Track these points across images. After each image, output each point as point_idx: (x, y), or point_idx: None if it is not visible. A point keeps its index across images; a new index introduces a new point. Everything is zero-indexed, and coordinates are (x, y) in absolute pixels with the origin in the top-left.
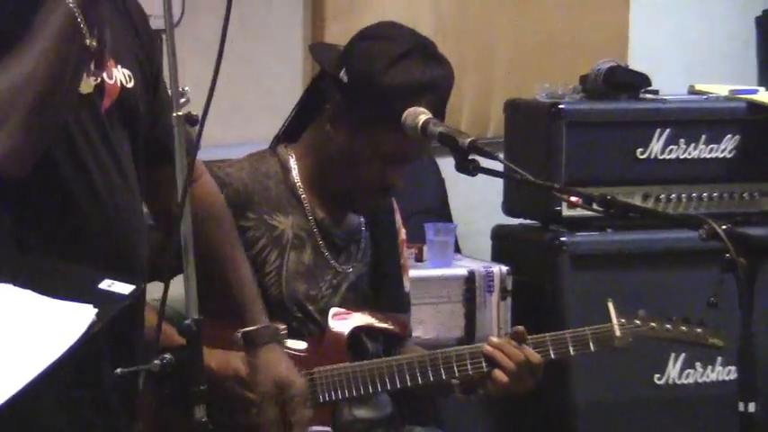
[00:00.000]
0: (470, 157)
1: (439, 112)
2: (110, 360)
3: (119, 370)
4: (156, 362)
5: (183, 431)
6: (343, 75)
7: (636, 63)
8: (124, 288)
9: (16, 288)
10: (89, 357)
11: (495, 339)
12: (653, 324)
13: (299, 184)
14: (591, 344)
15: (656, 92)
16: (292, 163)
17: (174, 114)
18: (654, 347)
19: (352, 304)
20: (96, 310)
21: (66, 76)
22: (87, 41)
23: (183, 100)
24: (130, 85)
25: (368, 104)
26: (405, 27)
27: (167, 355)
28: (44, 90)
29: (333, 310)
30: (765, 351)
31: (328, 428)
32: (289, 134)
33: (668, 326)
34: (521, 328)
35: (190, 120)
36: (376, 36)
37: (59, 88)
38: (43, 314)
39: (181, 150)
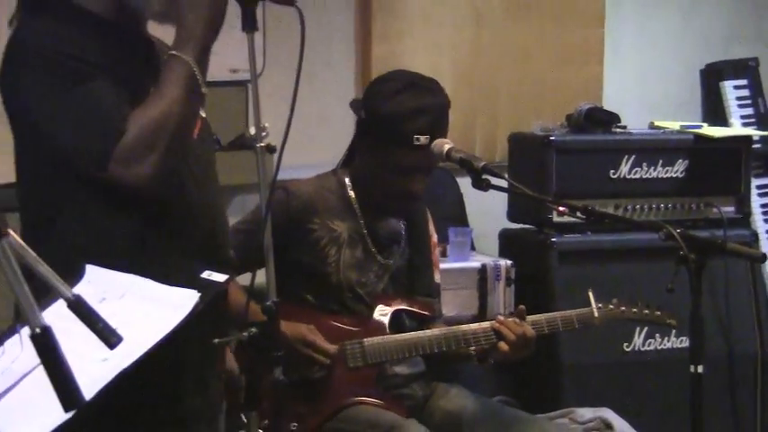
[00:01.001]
0: (483, 177)
1: (437, 131)
2: (209, 332)
3: (216, 340)
4: (244, 333)
5: (265, 389)
6: (361, 113)
7: (608, 104)
8: (219, 277)
9: (141, 278)
10: (193, 329)
11: (501, 317)
12: (623, 308)
13: (352, 197)
14: (575, 323)
15: (624, 127)
16: (347, 181)
17: (258, 145)
18: (624, 323)
19: (392, 291)
20: (199, 294)
21: (191, 115)
22: (203, 89)
23: (264, 134)
24: (204, 114)
25: (376, 131)
26: (407, 71)
27: (253, 329)
28: (177, 126)
29: (378, 297)
30: (708, 325)
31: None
32: (346, 160)
33: (635, 309)
34: (522, 307)
35: (270, 149)
36: (382, 80)
37: (187, 124)
38: (161, 297)
39: (263, 172)
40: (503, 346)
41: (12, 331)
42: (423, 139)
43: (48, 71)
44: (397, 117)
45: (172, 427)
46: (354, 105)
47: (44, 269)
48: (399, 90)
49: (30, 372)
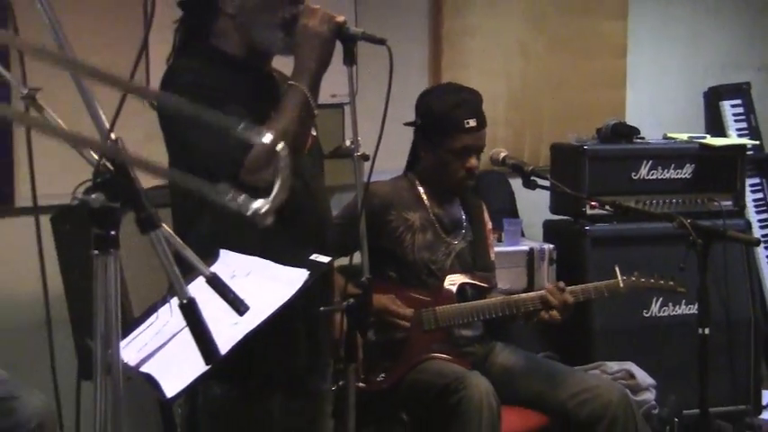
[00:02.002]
0: (531, 178)
1: (480, 116)
2: (317, 302)
3: (322, 308)
4: (344, 303)
5: (360, 347)
6: (417, 121)
7: (630, 120)
8: (324, 259)
9: (263, 260)
10: (304, 302)
11: (547, 287)
12: (642, 279)
13: (421, 191)
14: (605, 292)
15: (642, 138)
16: (417, 181)
17: (355, 154)
18: (643, 293)
19: (457, 267)
20: (308, 273)
21: (304, 133)
22: (315, 111)
23: (360, 146)
24: (315, 133)
25: (433, 128)
26: (449, 82)
27: (351, 300)
28: (294, 142)
29: (446, 272)
30: (712, 296)
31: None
32: (410, 164)
33: (652, 280)
34: (562, 282)
35: (365, 157)
36: (427, 91)
37: (301, 140)
38: (279, 275)
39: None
40: (549, 312)
41: (163, 301)
42: (471, 122)
43: (191, 98)
44: (448, 110)
45: (290, 378)
46: (409, 123)
47: (188, 253)
48: (442, 93)
49: (178, 332)
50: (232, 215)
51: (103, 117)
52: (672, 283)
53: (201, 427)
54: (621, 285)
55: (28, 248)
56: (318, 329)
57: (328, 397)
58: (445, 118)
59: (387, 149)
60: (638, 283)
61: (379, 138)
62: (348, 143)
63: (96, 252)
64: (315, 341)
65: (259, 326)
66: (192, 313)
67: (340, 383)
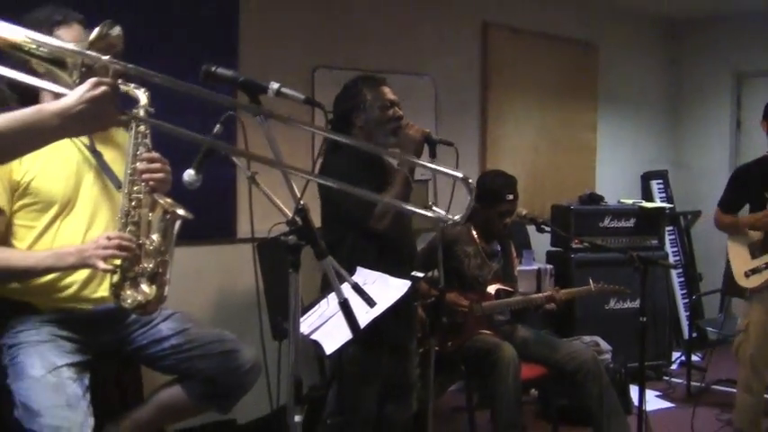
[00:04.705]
0: (540, 226)
1: (514, 192)
2: (412, 299)
3: (415, 302)
4: (428, 300)
5: (437, 326)
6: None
7: (598, 191)
8: (419, 274)
9: (381, 274)
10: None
11: (548, 292)
12: (606, 286)
13: (474, 234)
14: (583, 293)
15: (605, 202)
16: (472, 228)
17: (435, 209)
18: (606, 295)
19: (495, 279)
20: (410, 282)
21: (407, 197)
22: (412, 186)
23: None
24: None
25: (487, 196)
26: (497, 169)
27: (432, 298)
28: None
29: (488, 282)
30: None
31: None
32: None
33: (613, 287)
34: (557, 287)
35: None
36: (484, 173)
37: (405, 200)
38: (392, 283)
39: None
40: (550, 305)
41: (322, 297)
42: (510, 196)
43: (341, 178)
44: (497, 188)
45: (393, 342)
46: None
47: (341, 270)
48: (494, 176)
49: (332, 315)
50: (363, 244)
51: (297, 191)
52: (622, 287)
53: (343, 369)
54: (593, 290)
55: (243, 264)
56: (412, 315)
57: (415, 355)
58: (494, 192)
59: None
60: (603, 289)
61: (450, 201)
62: (430, 203)
63: (290, 270)
64: (410, 323)
65: (381, 314)
66: (346, 306)
67: (423, 349)
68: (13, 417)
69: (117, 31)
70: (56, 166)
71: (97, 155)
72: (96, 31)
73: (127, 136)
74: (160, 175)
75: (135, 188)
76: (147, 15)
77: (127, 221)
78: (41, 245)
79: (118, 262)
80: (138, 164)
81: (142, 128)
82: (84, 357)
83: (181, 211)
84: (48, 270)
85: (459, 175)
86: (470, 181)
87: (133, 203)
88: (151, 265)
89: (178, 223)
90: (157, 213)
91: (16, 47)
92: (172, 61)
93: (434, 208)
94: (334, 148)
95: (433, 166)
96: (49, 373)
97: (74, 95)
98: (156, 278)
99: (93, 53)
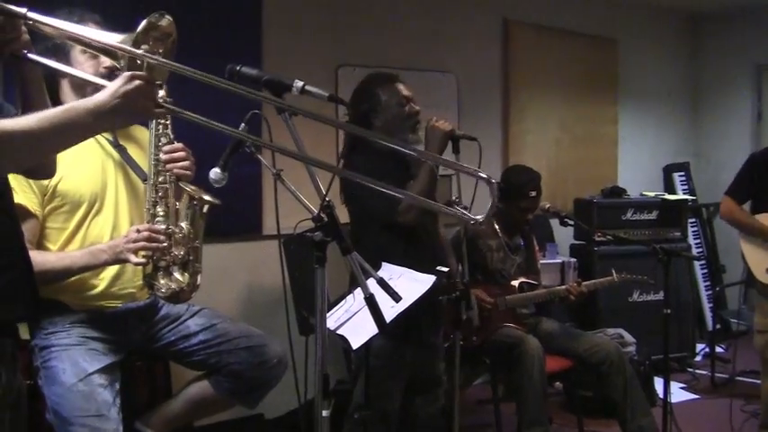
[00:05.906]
0: (564, 219)
1: (538, 189)
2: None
3: (440, 297)
4: (453, 294)
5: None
6: (501, 184)
7: (621, 184)
8: (444, 269)
9: (406, 269)
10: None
11: (571, 284)
12: (629, 276)
13: (498, 228)
14: (606, 284)
15: (628, 195)
16: (495, 222)
17: (458, 204)
18: (629, 286)
19: (518, 273)
20: (435, 278)
21: (433, 190)
22: (437, 180)
23: (461, 201)
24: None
25: (511, 192)
26: (523, 164)
27: (457, 292)
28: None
29: (512, 275)
30: (670, 289)
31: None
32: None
33: (635, 277)
34: (580, 279)
35: (465, 208)
36: (510, 168)
37: (431, 195)
38: (417, 278)
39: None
40: (573, 297)
41: (348, 292)
42: (533, 193)
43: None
44: (520, 183)
45: (418, 336)
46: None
47: (366, 265)
48: (519, 171)
49: (359, 310)
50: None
51: (322, 187)
52: (645, 277)
53: (369, 364)
54: (616, 280)
55: (269, 260)
56: (439, 310)
57: (441, 349)
58: (518, 188)
59: (478, 201)
60: (625, 278)
61: (473, 196)
62: (454, 198)
63: (317, 266)
64: (437, 316)
65: (407, 308)
66: (371, 301)
67: (449, 343)
68: (45, 419)
69: (166, 20)
70: (81, 166)
71: (121, 149)
72: (143, 23)
73: (145, 131)
74: (185, 163)
75: (160, 179)
76: (169, 14)
77: (155, 212)
78: (73, 245)
79: (149, 253)
80: (161, 155)
81: (162, 119)
82: (116, 357)
83: (207, 197)
84: (84, 269)
85: (484, 175)
86: (494, 182)
87: (159, 194)
88: (182, 253)
89: (206, 208)
90: (184, 201)
91: (73, 38)
92: (195, 60)
93: (456, 206)
94: (352, 149)
95: (457, 164)
96: (80, 381)
97: (108, 91)
98: (188, 265)
99: (128, 47)
